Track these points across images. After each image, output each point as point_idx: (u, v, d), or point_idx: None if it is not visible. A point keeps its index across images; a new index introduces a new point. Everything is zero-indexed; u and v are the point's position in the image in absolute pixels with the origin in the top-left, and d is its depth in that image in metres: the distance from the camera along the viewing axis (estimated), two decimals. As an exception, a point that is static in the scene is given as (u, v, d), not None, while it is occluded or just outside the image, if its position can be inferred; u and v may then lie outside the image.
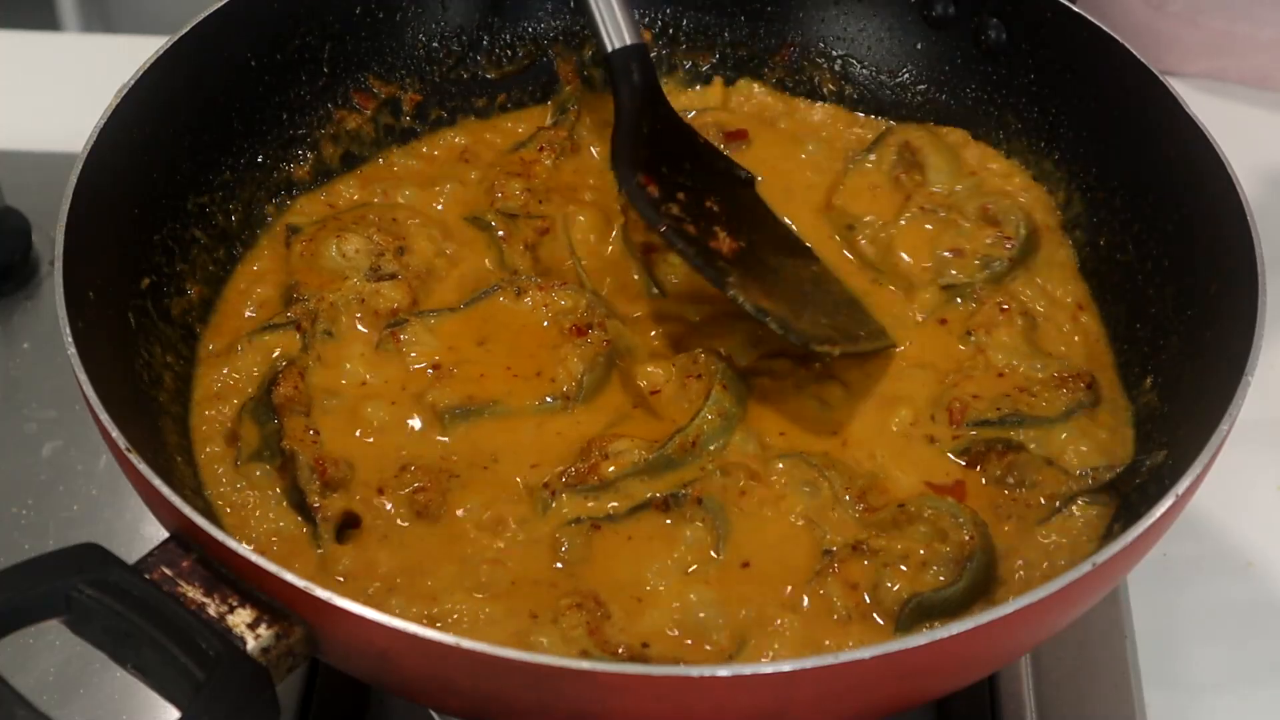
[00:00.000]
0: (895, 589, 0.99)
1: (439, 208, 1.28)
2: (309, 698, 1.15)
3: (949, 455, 1.10)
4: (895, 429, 1.11)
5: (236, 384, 1.13)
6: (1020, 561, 1.02)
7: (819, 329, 1.13)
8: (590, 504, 1.05)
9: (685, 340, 1.18)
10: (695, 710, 0.83)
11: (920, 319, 1.20)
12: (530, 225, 1.25)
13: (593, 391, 1.12)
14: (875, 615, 0.99)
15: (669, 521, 1.04)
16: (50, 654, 1.17)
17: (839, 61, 1.39)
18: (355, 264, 1.19)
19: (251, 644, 0.83)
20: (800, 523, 1.04)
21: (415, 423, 1.10)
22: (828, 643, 0.97)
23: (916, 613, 0.98)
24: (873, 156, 1.31)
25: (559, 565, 1.02)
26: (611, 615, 0.98)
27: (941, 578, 0.99)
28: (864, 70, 1.38)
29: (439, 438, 1.09)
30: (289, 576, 0.82)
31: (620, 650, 0.96)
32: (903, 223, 1.25)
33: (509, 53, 1.39)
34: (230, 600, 0.85)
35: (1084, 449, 1.09)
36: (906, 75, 1.36)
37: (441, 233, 1.25)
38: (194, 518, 0.85)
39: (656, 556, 1.02)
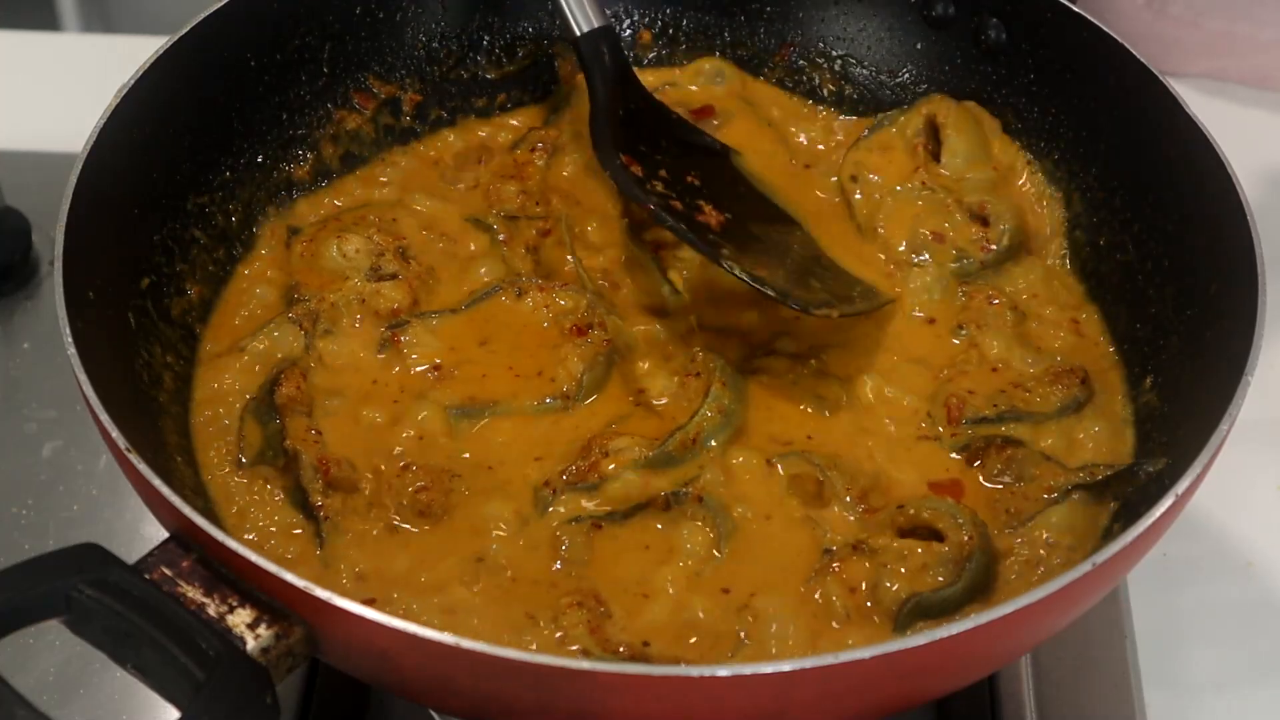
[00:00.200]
0: (895, 589, 0.99)
1: (439, 208, 1.28)
2: (309, 698, 1.15)
3: (948, 452, 1.10)
4: (894, 427, 1.11)
5: (237, 384, 1.13)
6: (1019, 561, 1.03)
7: (815, 294, 1.13)
8: (591, 502, 1.05)
9: (686, 339, 1.18)
10: (695, 710, 0.83)
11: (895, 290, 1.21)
12: (531, 226, 1.25)
13: (593, 390, 1.12)
14: (874, 615, 0.99)
15: (670, 520, 1.04)
16: (50, 654, 1.17)
17: (839, 61, 1.39)
18: (356, 264, 1.20)
19: (251, 644, 0.83)
20: (800, 522, 1.04)
21: (417, 422, 1.10)
22: (827, 643, 0.97)
23: (915, 613, 0.98)
24: (901, 119, 1.30)
25: (559, 564, 1.02)
26: (612, 614, 0.99)
27: (941, 578, 0.99)
28: (864, 70, 1.38)
29: (440, 438, 1.10)
30: (289, 576, 0.82)
31: (621, 649, 0.96)
32: (898, 189, 1.25)
33: (509, 52, 1.39)
34: (230, 600, 0.85)
35: (1082, 445, 1.10)
36: (906, 75, 1.36)
37: (442, 233, 1.25)
38: (194, 518, 0.85)
39: (657, 555, 1.02)
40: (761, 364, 1.15)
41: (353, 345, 1.15)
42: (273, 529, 1.04)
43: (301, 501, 1.04)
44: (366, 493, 1.06)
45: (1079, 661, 1.18)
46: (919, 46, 1.35)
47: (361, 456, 1.08)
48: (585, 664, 0.82)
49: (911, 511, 1.03)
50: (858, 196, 1.26)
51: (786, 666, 0.79)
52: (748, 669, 0.79)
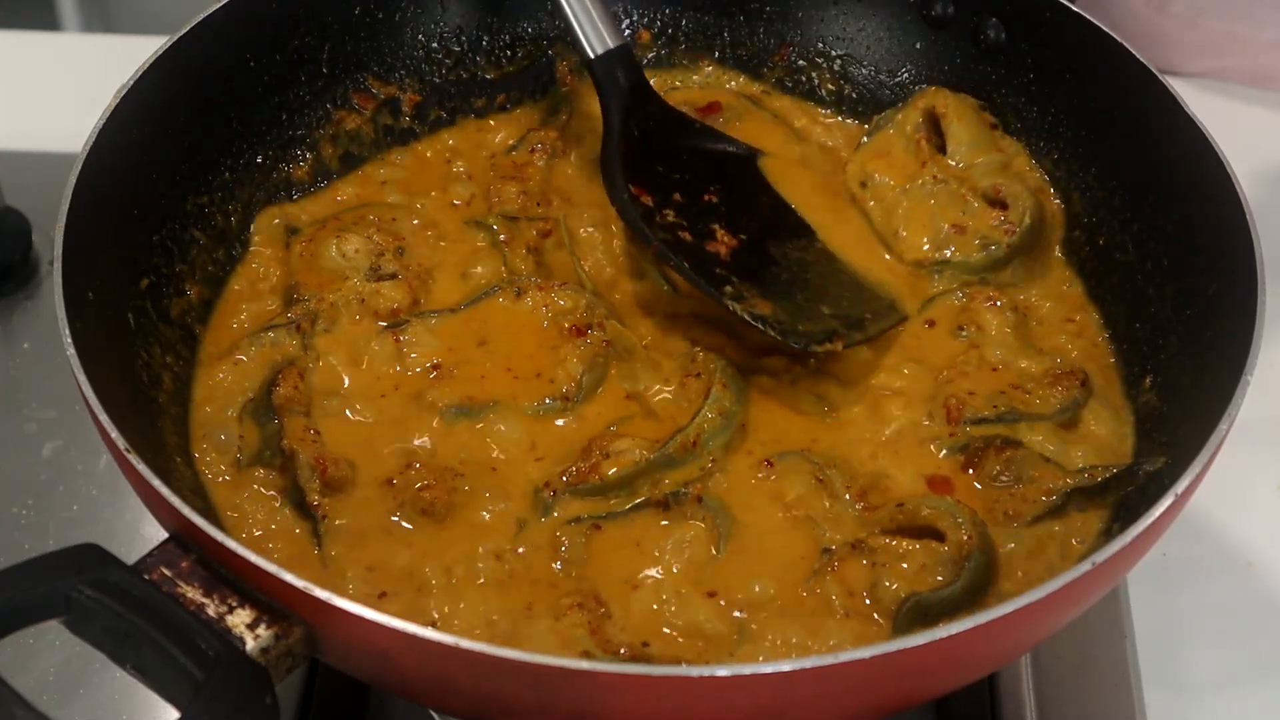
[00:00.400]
0: (894, 588, 0.99)
1: (439, 208, 1.28)
2: (309, 698, 1.15)
3: (947, 453, 1.10)
4: (894, 427, 1.11)
5: (236, 384, 1.13)
6: (1018, 562, 1.03)
7: (821, 323, 1.13)
8: (591, 503, 1.05)
9: (686, 340, 1.18)
10: (695, 710, 0.83)
11: (914, 304, 1.20)
12: (532, 227, 1.25)
13: (592, 391, 1.12)
14: (874, 614, 0.99)
15: (669, 520, 1.04)
16: (50, 654, 1.17)
17: (838, 61, 1.39)
18: (355, 264, 1.20)
19: (251, 644, 0.83)
20: (800, 522, 1.04)
21: (417, 422, 1.10)
22: (827, 642, 0.97)
23: (915, 612, 0.98)
24: (898, 118, 1.30)
25: (560, 564, 1.02)
26: (612, 614, 0.99)
27: (940, 577, 0.99)
28: (863, 70, 1.38)
29: (440, 438, 1.10)
30: (288, 577, 0.82)
31: (622, 650, 0.96)
32: (908, 188, 1.24)
33: (508, 53, 1.39)
34: (230, 600, 0.85)
35: (1082, 446, 1.10)
36: (906, 75, 1.36)
37: (441, 233, 1.25)
38: (193, 518, 0.85)
39: (657, 555, 1.02)
40: (761, 364, 1.15)
41: (352, 345, 1.15)
42: (272, 529, 1.04)
43: (299, 501, 1.04)
44: (365, 492, 1.05)
45: (1079, 661, 1.18)
46: (918, 46, 1.35)
47: (360, 456, 1.08)
48: (585, 664, 0.82)
49: (911, 510, 1.03)
50: (871, 204, 1.26)
51: (786, 666, 0.79)
52: (747, 669, 0.79)
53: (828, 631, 0.98)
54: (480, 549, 1.02)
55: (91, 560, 0.84)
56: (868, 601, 0.99)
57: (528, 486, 1.06)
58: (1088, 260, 1.23)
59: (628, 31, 1.41)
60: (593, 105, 1.35)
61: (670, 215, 1.18)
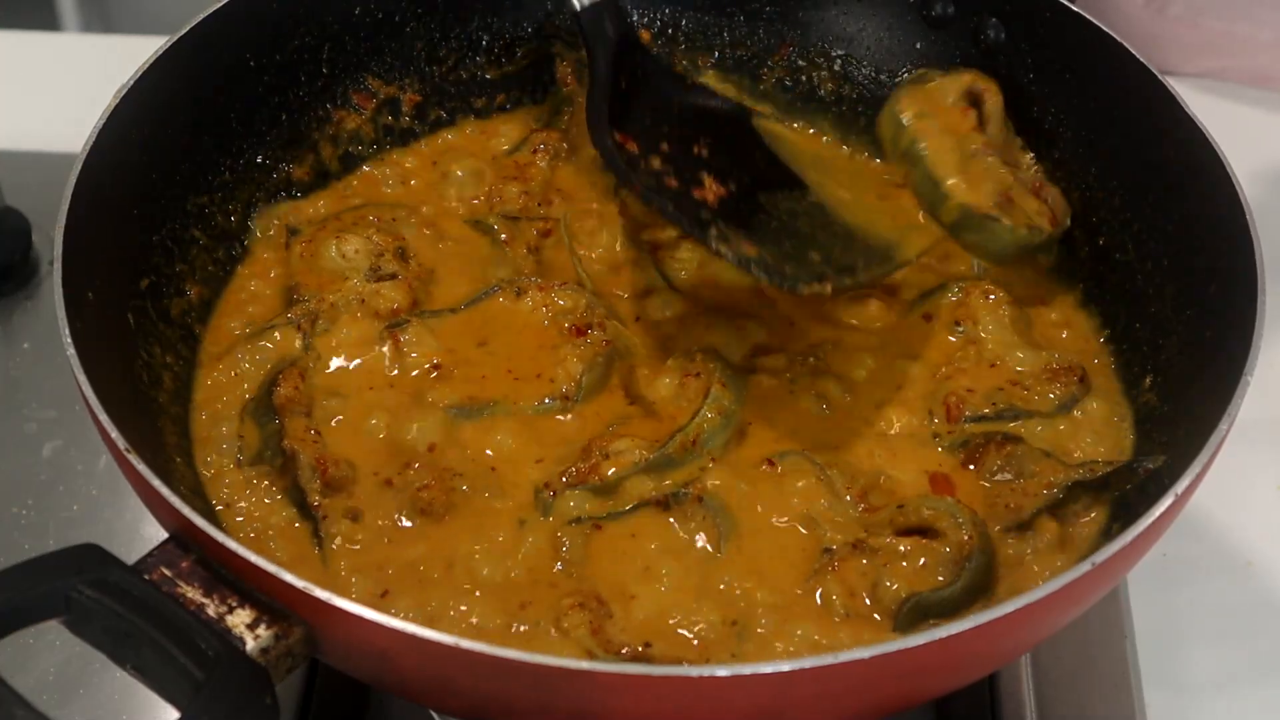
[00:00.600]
0: (894, 588, 0.99)
1: (439, 208, 1.28)
2: (309, 698, 1.15)
3: (947, 450, 1.10)
4: (894, 426, 1.11)
5: (236, 385, 1.13)
6: (1017, 562, 1.03)
7: (810, 268, 1.10)
8: (591, 504, 1.05)
9: (685, 339, 1.18)
10: (695, 710, 0.83)
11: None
12: (532, 227, 1.25)
13: (592, 392, 1.12)
14: (874, 614, 0.99)
15: (670, 520, 1.04)
16: (50, 654, 1.17)
17: (838, 61, 1.38)
18: (355, 264, 1.20)
19: (251, 644, 0.83)
20: (800, 521, 1.04)
21: (416, 423, 1.10)
22: (827, 642, 0.97)
23: (915, 612, 0.98)
24: (942, 78, 1.27)
25: (560, 565, 1.02)
26: (613, 615, 0.99)
27: (940, 577, 1.00)
28: (863, 70, 1.38)
29: (440, 438, 1.09)
30: (288, 577, 0.82)
31: (623, 650, 0.96)
32: (961, 139, 1.23)
33: (509, 53, 1.39)
34: (229, 601, 0.85)
35: (1081, 443, 1.10)
36: (906, 75, 1.36)
37: (441, 233, 1.25)
38: (193, 518, 0.85)
39: (657, 555, 1.02)
40: (761, 363, 1.15)
41: (352, 345, 1.15)
42: (272, 529, 1.04)
43: (300, 501, 1.04)
44: (365, 492, 1.06)
45: (1079, 661, 1.18)
46: (918, 46, 1.35)
47: (360, 456, 1.08)
48: (585, 664, 0.82)
49: (911, 511, 1.03)
50: (923, 145, 1.23)
51: (786, 666, 0.79)
52: (747, 669, 0.79)
53: (828, 631, 0.98)
54: (480, 549, 1.02)
55: (91, 560, 0.84)
56: (868, 601, 0.99)
57: (528, 487, 1.06)
58: (1087, 260, 1.23)
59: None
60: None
61: (656, 162, 1.16)
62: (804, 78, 1.40)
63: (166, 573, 0.85)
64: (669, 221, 1.12)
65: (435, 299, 1.20)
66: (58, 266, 0.98)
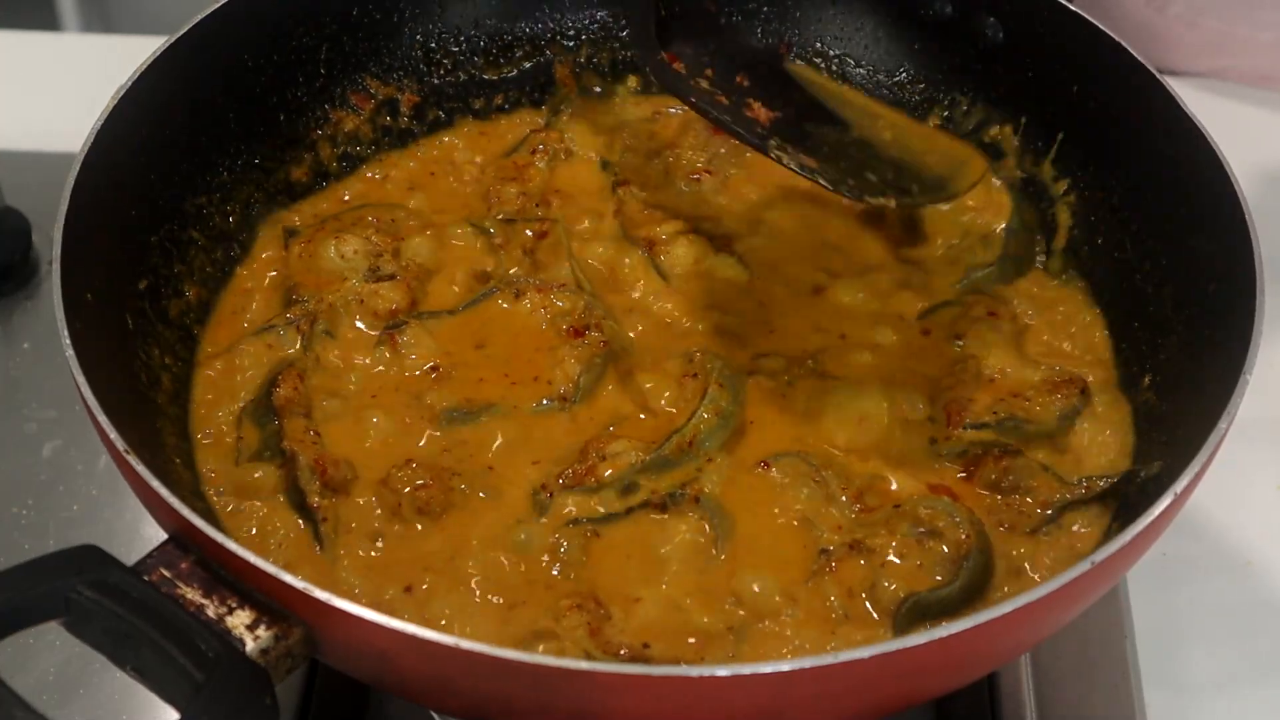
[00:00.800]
0: (892, 588, 0.99)
1: (437, 209, 1.28)
2: (309, 698, 1.15)
3: (945, 459, 1.09)
4: (893, 430, 1.11)
5: (235, 386, 1.13)
6: (1016, 563, 1.03)
7: (869, 186, 1.11)
8: (588, 505, 1.05)
9: (683, 340, 1.18)
10: (695, 710, 0.83)
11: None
12: (528, 228, 1.25)
13: (590, 392, 1.12)
14: (872, 614, 0.99)
15: (667, 521, 1.04)
16: (50, 654, 1.17)
17: (836, 61, 1.38)
18: (354, 265, 1.20)
19: (250, 645, 0.83)
20: (797, 522, 1.04)
21: (415, 424, 1.10)
22: (825, 642, 0.97)
23: (913, 612, 0.98)
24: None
25: (558, 566, 1.02)
26: (611, 616, 0.99)
27: (938, 577, 1.00)
28: (861, 70, 1.38)
29: (439, 439, 1.10)
30: (287, 578, 0.82)
31: (622, 651, 0.96)
32: None
33: (507, 54, 1.39)
34: (229, 601, 0.85)
35: (1080, 454, 1.09)
36: (904, 75, 1.36)
37: (440, 234, 1.25)
38: (192, 519, 0.85)
39: (654, 556, 1.02)
40: (759, 365, 1.15)
41: (351, 346, 1.15)
42: (271, 530, 1.04)
43: (299, 502, 1.04)
44: (364, 493, 1.06)
45: (1079, 661, 1.18)
46: (916, 46, 1.35)
47: (359, 457, 1.08)
48: (585, 664, 0.82)
49: (908, 511, 1.03)
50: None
51: (785, 667, 0.79)
52: (747, 669, 0.79)
53: (827, 631, 0.98)
54: (478, 550, 1.02)
55: (91, 561, 0.84)
56: (866, 602, 0.99)
57: (525, 488, 1.06)
58: (1086, 260, 1.23)
59: (626, 31, 1.41)
60: (593, 109, 1.36)
61: (704, 84, 1.15)
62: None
63: (166, 574, 0.85)
64: (726, 130, 1.12)
65: (433, 300, 1.20)
66: (57, 267, 0.98)
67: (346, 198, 1.30)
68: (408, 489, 1.04)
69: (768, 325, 1.19)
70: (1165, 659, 1.21)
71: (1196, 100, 1.13)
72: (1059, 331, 1.20)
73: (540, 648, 0.96)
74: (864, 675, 0.81)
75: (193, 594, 0.85)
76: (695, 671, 0.79)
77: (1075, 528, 1.04)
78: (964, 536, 1.01)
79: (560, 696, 0.82)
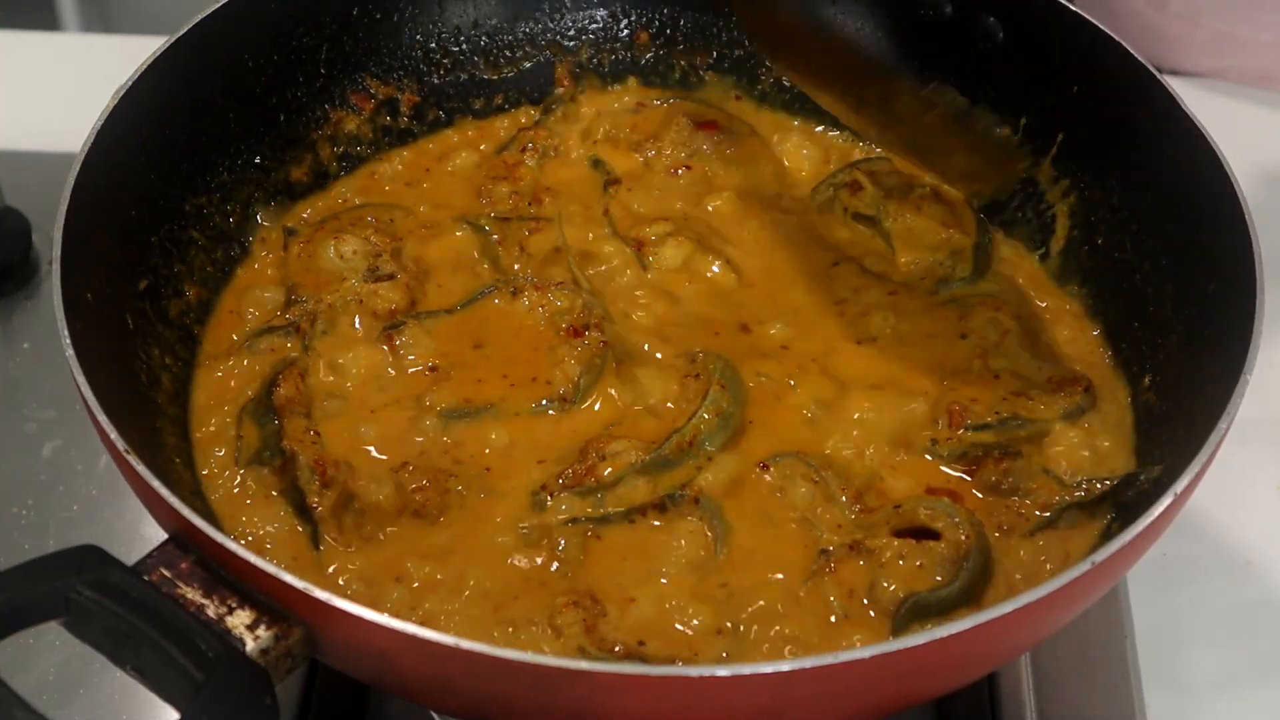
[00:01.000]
0: (892, 589, 0.99)
1: (436, 209, 1.28)
2: (309, 698, 1.15)
3: (946, 458, 1.09)
4: (893, 431, 1.11)
5: (235, 386, 1.13)
6: (1015, 563, 1.03)
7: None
8: (587, 505, 1.05)
9: (683, 339, 1.18)
10: (694, 710, 0.83)
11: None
12: (524, 227, 1.25)
13: (589, 392, 1.12)
14: (872, 615, 0.99)
15: (666, 522, 1.04)
16: (50, 654, 1.17)
17: (837, 61, 1.38)
18: (353, 265, 1.20)
19: (250, 645, 0.83)
20: (796, 523, 1.04)
21: (414, 424, 1.10)
22: (825, 643, 0.97)
23: (913, 612, 0.98)
24: None
25: (555, 565, 1.02)
26: (608, 614, 0.99)
27: (938, 577, 0.99)
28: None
29: (437, 439, 1.10)
30: (288, 577, 0.82)
31: (617, 649, 0.96)
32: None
33: (507, 54, 1.39)
34: (229, 601, 0.85)
35: (1080, 454, 1.09)
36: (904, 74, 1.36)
37: (439, 234, 1.25)
38: (192, 519, 0.85)
39: (653, 556, 1.02)
40: (760, 366, 1.15)
41: (351, 346, 1.15)
42: (271, 530, 1.04)
43: (299, 502, 1.04)
44: (364, 493, 1.06)
45: (1079, 661, 1.18)
46: (917, 46, 1.35)
47: (359, 457, 1.08)
48: (585, 664, 0.82)
49: (908, 511, 1.03)
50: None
51: (785, 667, 0.79)
52: (747, 669, 0.79)
53: (826, 632, 0.98)
54: (476, 550, 1.02)
55: (91, 561, 0.84)
56: (866, 602, 0.99)
57: (525, 487, 1.06)
58: (1086, 260, 1.23)
59: (626, 32, 1.41)
60: (587, 106, 1.35)
61: None
62: (803, 78, 1.39)
63: (166, 574, 0.85)
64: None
65: (432, 299, 1.20)
66: (57, 267, 0.98)
67: (346, 198, 1.30)
68: (407, 490, 1.04)
69: (767, 325, 1.19)
70: (1165, 659, 1.21)
71: (1196, 100, 1.13)
72: (1059, 331, 1.20)
73: (537, 645, 0.96)
74: (864, 675, 0.81)
75: (193, 594, 0.85)
76: (695, 671, 0.79)
77: (1075, 528, 1.04)
78: (964, 537, 1.01)
79: (560, 696, 0.82)
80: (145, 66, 1.13)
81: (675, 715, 0.84)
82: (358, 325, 1.17)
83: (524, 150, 1.32)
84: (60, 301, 0.96)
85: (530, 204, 1.28)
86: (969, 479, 1.08)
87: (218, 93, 1.23)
